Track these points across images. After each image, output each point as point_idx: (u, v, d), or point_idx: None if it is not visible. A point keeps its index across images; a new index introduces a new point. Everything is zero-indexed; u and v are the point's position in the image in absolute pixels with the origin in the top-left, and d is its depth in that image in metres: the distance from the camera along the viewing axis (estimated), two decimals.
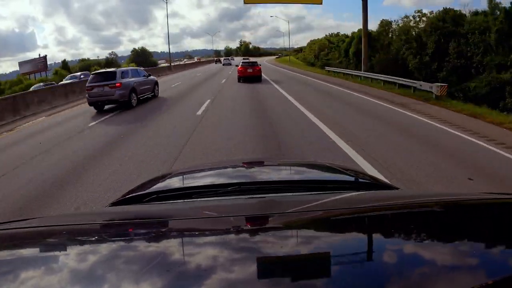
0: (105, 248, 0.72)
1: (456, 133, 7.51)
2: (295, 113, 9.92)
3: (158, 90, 15.37)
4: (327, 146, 6.31)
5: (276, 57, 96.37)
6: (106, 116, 10.96)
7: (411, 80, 15.51)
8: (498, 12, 19.57)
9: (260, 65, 22.67)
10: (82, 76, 27.39)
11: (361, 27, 27.56)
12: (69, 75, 32.69)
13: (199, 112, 10.57)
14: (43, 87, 20.88)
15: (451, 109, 10.67)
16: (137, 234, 0.82)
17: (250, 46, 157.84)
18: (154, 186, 1.45)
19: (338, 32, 59.64)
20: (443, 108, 10.87)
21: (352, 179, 1.58)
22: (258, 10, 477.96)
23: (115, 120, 10.38)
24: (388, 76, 17.92)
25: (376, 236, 0.76)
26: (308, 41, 77.51)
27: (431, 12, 30.66)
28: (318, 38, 65.29)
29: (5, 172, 5.93)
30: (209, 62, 73.81)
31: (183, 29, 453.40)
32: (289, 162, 2.41)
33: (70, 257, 0.69)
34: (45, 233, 0.85)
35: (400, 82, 16.13)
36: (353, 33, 48.26)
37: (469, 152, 6.06)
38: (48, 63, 59.40)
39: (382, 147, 6.24)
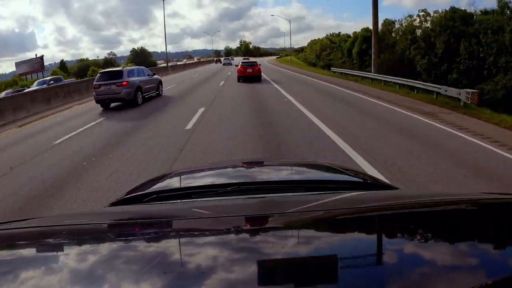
0: (105, 248, 0.72)
1: None
2: (305, 124, 8.31)
3: (162, 89, 15.90)
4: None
5: (277, 57, 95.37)
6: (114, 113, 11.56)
7: (434, 85, 13.67)
8: (508, 11, 18.69)
9: (259, 65, 22.58)
10: (51, 82, 24.64)
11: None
12: (38, 80, 28.81)
13: (189, 126, 8.60)
14: (12, 94, 19.16)
15: (491, 122, 8.79)
16: (137, 234, 0.82)
17: (250, 46, 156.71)
18: (154, 186, 1.45)
19: (339, 32, 59.12)
20: (479, 120, 9.11)
21: (352, 179, 1.56)
22: (258, 10, 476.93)
23: (123, 116, 11.12)
24: (404, 79, 16.19)
25: (376, 236, 0.76)
26: (309, 41, 77.09)
27: (436, 12, 30.01)
28: (318, 38, 64.85)
29: None
30: (209, 62, 73.05)
31: (183, 29, 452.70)
32: (289, 162, 2.39)
33: (70, 257, 0.68)
34: (45, 233, 0.85)
35: (419, 86, 14.38)
36: (355, 32, 47.79)
37: None
38: (48, 63, 58.92)
39: (429, 179, 4.65)
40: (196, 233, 0.79)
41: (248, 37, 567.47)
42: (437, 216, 0.87)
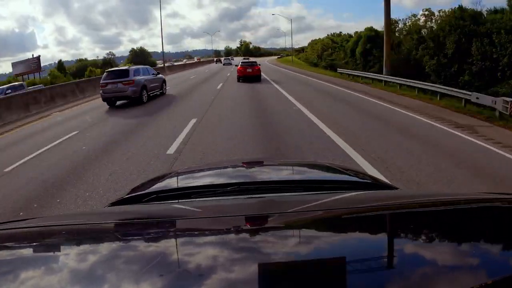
0: (104, 248, 0.72)
1: None
2: (324, 142, 6.72)
3: (166, 88, 16.21)
4: None
5: (278, 57, 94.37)
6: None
7: (463, 91, 11.89)
8: None
9: (259, 65, 22.50)
10: (8, 91, 20.42)
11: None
12: None
13: (170, 151, 6.51)
14: None
15: None
16: (137, 234, 0.82)
17: (251, 46, 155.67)
18: (154, 186, 1.45)
19: (340, 32, 58.22)
20: None
21: (352, 179, 1.54)
22: (259, 10, 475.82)
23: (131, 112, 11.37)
24: (426, 83, 14.45)
25: (376, 236, 0.76)
26: (309, 41, 76.13)
27: (443, 11, 29.08)
28: (319, 38, 63.97)
29: None
30: (208, 62, 72.07)
31: (183, 29, 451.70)
32: (289, 162, 2.40)
33: (70, 257, 0.68)
34: (45, 233, 0.85)
35: (443, 91, 12.67)
36: (356, 32, 47.02)
37: None
38: (48, 63, 58.05)
39: None
40: (196, 233, 0.79)
41: (248, 37, 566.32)
42: (437, 216, 0.87)
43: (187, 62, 72.19)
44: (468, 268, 0.58)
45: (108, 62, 73.68)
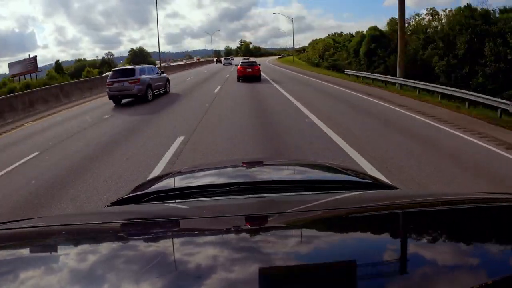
0: (104, 248, 0.72)
1: None
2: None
3: (169, 87, 16.46)
4: None
5: (279, 57, 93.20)
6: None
7: (500, 99, 10.07)
8: None
9: (259, 64, 22.55)
10: None
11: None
12: None
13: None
14: None
15: None
16: (137, 234, 0.82)
17: (251, 46, 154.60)
18: (154, 186, 1.44)
19: (341, 32, 57.33)
20: None
21: (352, 179, 1.54)
22: (259, 10, 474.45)
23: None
24: (454, 89, 12.63)
25: (376, 236, 0.76)
26: (310, 41, 75.06)
27: (449, 10, 28.19)
28: (320, 38, 63.03)
29: None
30: (208, 62, 71.13)
31: (183, 29, 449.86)
32: (289, 162, 2.35)
33: (69, 257, 0.68)
34: (45, 233, 0.85)
35: (473, 98, 10.96)
36: (358, 32, 46.28)
37: None
38: (48, 63, 57.07)
39: None
40: (195, 233, 0.79)
41: (248, 37, 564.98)
42: (437, 216, 0.87)
43: (187, 62, 71.38)
44: (468, 268, 0.58)
45: (106, 62, 72.79)
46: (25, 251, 0.74)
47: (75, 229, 0.85)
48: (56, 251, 0.73)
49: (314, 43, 66.62)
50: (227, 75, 26.86)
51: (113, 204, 1.33)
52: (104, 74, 28.54)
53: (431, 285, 0.52)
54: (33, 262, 0.67)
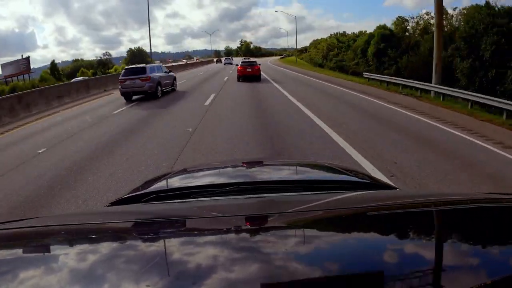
0: (104, 247, 0.71)
1: None
2: None
3: (176, 84, 17.19)
4: None
5: (280, 57, 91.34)
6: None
7: None
8: None
9: (259, 64, 22.37)
10: None
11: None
12: None
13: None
14: None
15: None
16: (136, 233, 0.82)
17: (251, 46, 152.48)
18: (153, 186, 1.44)
19: (344, 32, 55.54)
20: None
21: (352, 179, 1.53)
22: (259, 10, 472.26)
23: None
24: None
25: (376, 236, 0.75)
26: (310, 41, 73.21)
27: (463, 8, 26.35)
28: (322, 38, 61.38)
29: None
30: (208, 62, 69.24)
31: (183, 29, 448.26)
32: (289, 162, 2.36)
33: (69, 257, 0.67)
34: (44, 233, 0.85)
35: None
36: (360, 31, 44.57)
37: None
38: (48, 63, 55.26)
39: None
40: (195, 232, 0.78)
41: (248, 37, 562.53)
42: (437, 216, 0.86)
43: (188, 62, 69.76)
44: (468, 268, 0.58)
45: (104, 62, 70.92)
46: (25, 251, 0.73)
47: (74, 229, 0.84)
48: (55, 251, 0.72)
49: (316, 43, 64.85)
50: (226, 78, 24.44)
51: (113, 204, 1.32)
52: (73, 80, 25.40)
53: (431, 285, 0.52)
54: (33, 262, 0.66)
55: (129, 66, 16.00)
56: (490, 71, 16.66)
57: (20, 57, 48.68)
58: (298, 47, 76.20)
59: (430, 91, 14.53)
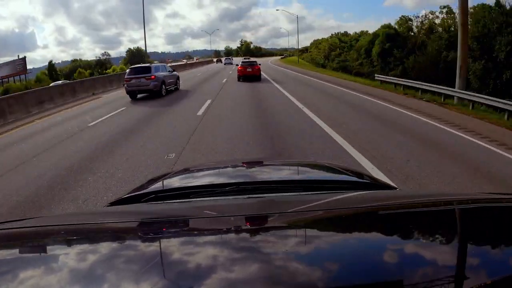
0: (103, 247, 0.71)
1: None
2: None
3: (179, 83, 17.43)
4: None
5: (281, 57, 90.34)
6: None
7: None
8: None
9: (259, 64, 22.29)
10: None
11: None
12: None
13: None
14: None
15: None
16: (136, 233, 0.82)
17: (251, 46, 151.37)
18: (153, 186, 1.44)
19: (345, 31, 54.73)
20: None
21: (352, 179, 1.52)
22: (259, 10, 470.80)
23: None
24: None
25: (376, 236, 0.75)
26: (311, 41, 72.25)
27: (471, 7, 25.47)
28: (322, 38, 60.58)
29: None
30: (207, 62, 68.37)
31: (183, 29, 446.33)
32: (289, 162, 2.35)
33: (69, 256, 0.67)
34: (44, 233, 0.85)
35: None
36: (362, 31, 43.77)
37: None
38: (47, 64, 54.30)
39: None
40: (195, 232, 0.78)
41: (248, 37, 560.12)
42: (437, 216, 0.86)
43: (188, 62, 69.11)
44: (468, 268, 0.58)
45: (102, 62, 70.03)
46: (25, 251, 0.73)
47: (74, 229, 0.84)
48: (55, 251, 0.72)
49: (317, 43, 64.02)
50: (224, 81, 22.85)
51: (112, 204, 1.31)
52: (52, 84, 23.55)
53: (431, 285, 0.51)
54: (32, 262, 0.66)
55: (135, 66, 16.22)
56: (505, 72, 15.78)
57: (15, 58, 47.87)
58: (300, 46, 75.29)
59: (452, 96, 12.69)
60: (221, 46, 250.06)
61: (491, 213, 0.85)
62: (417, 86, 15.07)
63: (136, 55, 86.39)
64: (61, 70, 69.68)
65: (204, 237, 0.73)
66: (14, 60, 48.42)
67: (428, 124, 8.88)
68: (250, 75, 20.49)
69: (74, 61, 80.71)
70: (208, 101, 12.72)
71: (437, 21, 27.77)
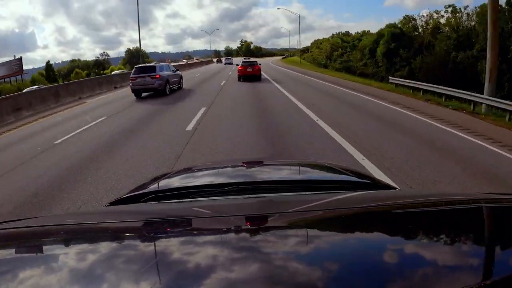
0: (103, 247, 0.71)
1: None
2: None
3: (182, 83, 17.79)
4: None
5: (282, 58, 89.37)
6: None
7: None
8: None
9: (260, 64, 22.28)
10: None
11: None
12: None
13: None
14: None
15: None
16: (135, 233, 0.82)
17: (252, 46, 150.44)
18: (152, 186, 1.45)
19: (347, 31, 53.94)
20: None
21: (352, 179, 1.52)
22: (259, 10, 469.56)
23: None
24: None
25: (376, 236, 0.75)
26: (311, 41, 71.35)
27: (475, 7, 24.60)
28: (323, 38, 59.88)
29: None
30: (207, 62, 67.51)
31: (183, 29, 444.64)
32: (289, 162, 2.34)
33: (68, 256, 0.67)
34: (43, 233, 0.84)
35: None
36: (364, 31, 42.99)
37: None
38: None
39: None
40: (195, 232, 0.78)
41: (249, 37, 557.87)
42: (437, 216, 0.86)
43: (188, 62, 68.49)
44: (468, 268, 0.58)
45: (100, 63, 69.22)
46: (24, 251, 0.73)
47: (73, 229, 0.84)
48: (54, 250, 0.72)
49: (318, 43, 63.24)
50: (222, 83, 21.13)
51: (112, 203, 1.32)
52: (25, 90, 21.28)
53: (431, 285, 0.51)
54: (32, 261, 0.66)
55: (140, 65, 16.49)
56: None
57: (12, 57, 47.04)
58: (301, 47, 74.43)
59: (480, 103, 11.01)
60: (221, 46, 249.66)
61: (491, 213, 0.85)
62: (440, 91, 13.22)
63: (135, 56, 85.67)
64: (59, 70, 68.95)
65: (204, 237, 0.73)
66: (10, 61, 47.56)
67: (473, 143, 6.99)
68: (250, 75, 20.39)
69: (72, 61, 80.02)
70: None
71: (442, 20, 27.08)
